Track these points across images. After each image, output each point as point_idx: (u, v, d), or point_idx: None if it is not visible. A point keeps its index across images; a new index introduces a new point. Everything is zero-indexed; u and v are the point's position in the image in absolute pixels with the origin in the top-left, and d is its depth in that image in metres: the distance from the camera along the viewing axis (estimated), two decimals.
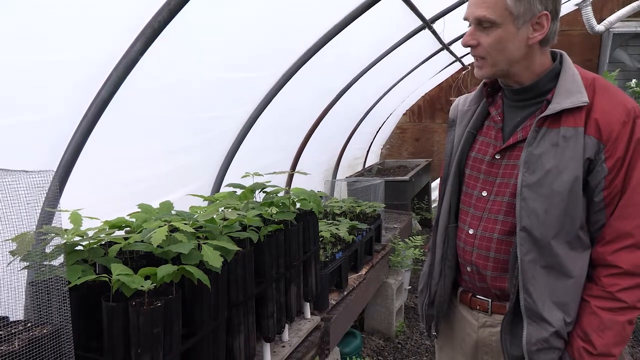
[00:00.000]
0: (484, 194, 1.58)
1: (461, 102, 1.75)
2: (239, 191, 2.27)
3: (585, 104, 1.39)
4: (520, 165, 1.45)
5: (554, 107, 1.41)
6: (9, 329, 1.25)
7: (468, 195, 1.63)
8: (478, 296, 1.64)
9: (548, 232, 1.42)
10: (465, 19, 1.48)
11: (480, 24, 1.43)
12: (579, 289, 1.46)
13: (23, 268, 1.32)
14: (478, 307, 1.64)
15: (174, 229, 1.60)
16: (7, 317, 1.28)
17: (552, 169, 1.40)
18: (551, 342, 1.44)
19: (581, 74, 1.46)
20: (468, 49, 1.52)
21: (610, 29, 5.96)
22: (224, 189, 2.57)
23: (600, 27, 5.01)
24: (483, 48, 1.45)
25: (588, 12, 4.78)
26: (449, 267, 1.67)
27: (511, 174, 1.51)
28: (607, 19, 5.07)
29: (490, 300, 1.61)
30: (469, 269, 1.62)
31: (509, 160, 1.53)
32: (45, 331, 1.22)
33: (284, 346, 2.32)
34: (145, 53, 1.84)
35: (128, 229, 1.79)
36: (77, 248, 1.57)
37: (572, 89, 1.42)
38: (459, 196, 1.67)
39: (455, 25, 4.29)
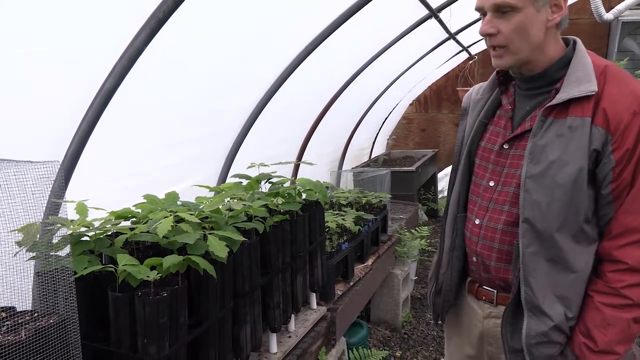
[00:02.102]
0: (491, 184, 1.56)
1: (475, 91, 1.73)
2: (244, 182, 2.27)
3: (593, 93, 1.34)
4: (525, 156, 1.43)
5: (561, 97, 1.37)
6: (15, 319, 1.26)
7: (477, 185, 1.62)
8: (484, 287, 1.63)
9: (551, 224, 1.39)
10: (479, 8, 1.43)
11: (498, 10, 1.37)
12: (583, 284, 1.43)
13: (30, 259, 1.32)
14: (484, 298, 1.63)
15: (179, 220, 1.60)
16: (14, 307, 1.29)
17: (556, 160, 1.37)
18: (551, 336, 1.42)
19: (594, 61, 1.41)
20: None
21: (619, 18, 5.88)
22: (230, 180, 2.57)
23: (609, 16, 4.93)
24: (504, 36, 1.39)
25: (597, 0, 4.71)
26: (457, 257, 1.67)
27: (518, 165, 1.48)
28: (616, 7, 4.99)
29: (495, 291, 1.60)
30: (474, 259, 1.61)
31: (517, 150, 1.50)
32: (51, 321, 1.23)
33: (290, 336, 2.33)
34: (150, 44, 1.83)
35: (134, 219, 1.79)
36: (83, 239, 1.58)
37: (582, 78, 1.37)
38: (469, 186, 1.65)
39: (461, 14, 4.24)
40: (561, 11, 1.38)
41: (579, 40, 1.47)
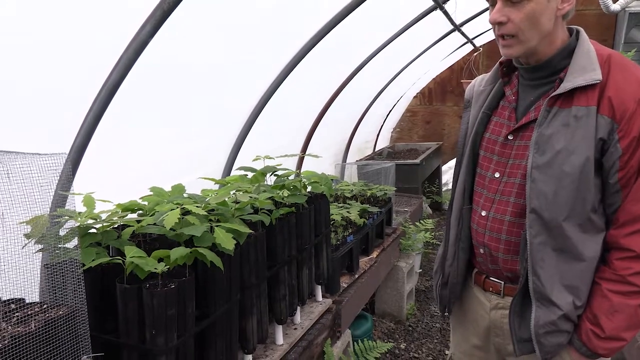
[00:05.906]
0: (497, 175, 1.56)
1: (477, 83, 1.72)
2: (250, 174, 2.27)
3: (598, 81, 1.34)
4: (530, 146, 1.43)
5: (565, 86, 1.37)
6: (25, 310, 1.26)
7: (481, 176, 1.61)
8: (491, 278, 1.63)
9: (558, 214, 1.39)
10: None
11: None
12: (591, 272, 1.44)
13: (38, 251, 1.33)
14: (491, 289, 1.63)
15: (186, 212, 1.60)
16: (23, 299, 1.29)
17: (562, 150, 1.36)
18: (559, 325, 1.43)
19: (597, 50, 1.40)
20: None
21: (626, 9, 5.83)
22: (235, 173, 2.57)
23: (615, 7, 4.89)
24: (514, 24, 1.37)
25: None
26: (463, 249, 1.66)
27: (523, 155, 1.48)
28: None
29: (502, 282, 1.60)
30: (481, 250, 1.61)
31: (521, 141, 1.50)
32: (61, 313, 1.23)
33: (296, 328, 2.33)
34: (155, 35, 1.82)
35: (141, 211, 1.79)
36: (90, 231, 1.58)
37: (586, 66, 1.37)
38: (473, 178, 1.65)
39: (467, 5, 4.22)
40: (570, 1, 1.37)
41: (582, 30, 1.46)
